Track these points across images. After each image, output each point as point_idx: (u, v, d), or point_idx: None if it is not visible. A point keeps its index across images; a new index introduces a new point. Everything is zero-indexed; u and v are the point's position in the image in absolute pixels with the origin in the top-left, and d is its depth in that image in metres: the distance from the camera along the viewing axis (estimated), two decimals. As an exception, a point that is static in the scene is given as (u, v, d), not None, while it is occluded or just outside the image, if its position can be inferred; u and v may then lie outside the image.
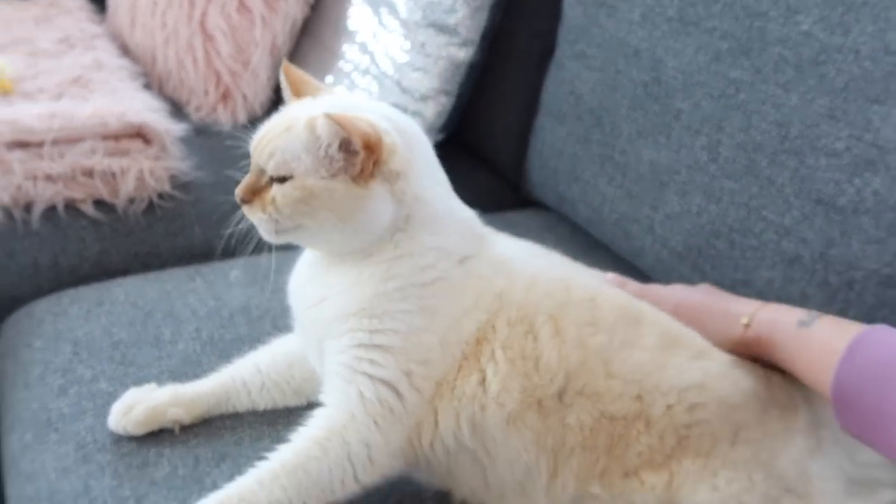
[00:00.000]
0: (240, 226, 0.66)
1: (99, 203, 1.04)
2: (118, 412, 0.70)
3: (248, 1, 1.31)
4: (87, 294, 0.91)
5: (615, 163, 1.03)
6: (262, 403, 0.75)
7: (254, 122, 1.33)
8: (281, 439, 0.71)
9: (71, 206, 1.02)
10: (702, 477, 0.60)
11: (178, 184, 1.10)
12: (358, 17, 1.30)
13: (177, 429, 0.71)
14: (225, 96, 1.35)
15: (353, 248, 0.63)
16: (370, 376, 0.60)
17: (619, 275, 0.74)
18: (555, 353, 0.60)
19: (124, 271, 1.01)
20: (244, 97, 1.35)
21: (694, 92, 0.93)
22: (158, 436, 0.71)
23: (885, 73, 0.75)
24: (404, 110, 1.23)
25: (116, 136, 1.06)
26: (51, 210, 1.01)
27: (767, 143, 0.85)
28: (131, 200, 1.05)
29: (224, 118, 1.34)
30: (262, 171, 0.62)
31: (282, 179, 0.60)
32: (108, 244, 1.03)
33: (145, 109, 1.11)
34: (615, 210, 1.05)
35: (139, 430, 0.70)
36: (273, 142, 0.61)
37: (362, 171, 0.59)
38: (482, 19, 1.20)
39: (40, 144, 1.00)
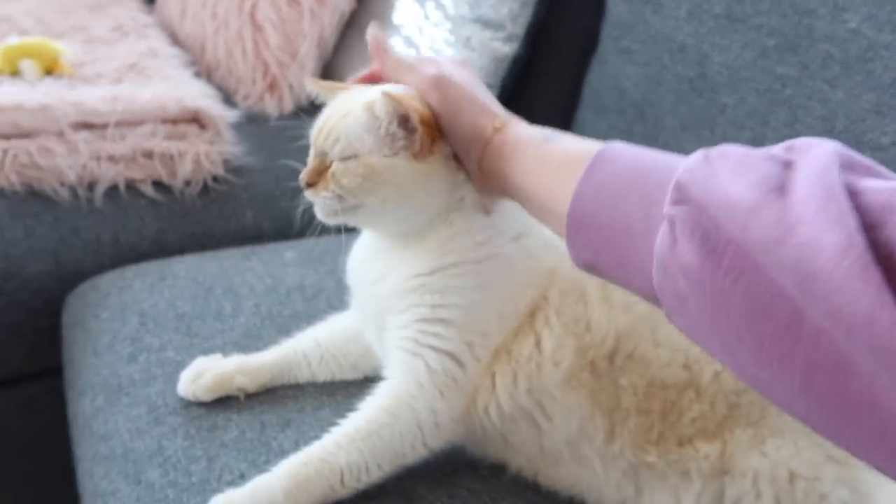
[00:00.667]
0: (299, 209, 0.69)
1: (157, 184, 1.08)
2: (187, 379, 0.73)
3: (297, -7, 1.35)
4: (150, 269, 0.94)
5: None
6: (321, 375, 0.78)
7: (300, 111, 1.42)
8: (340, 409, 0.75)
9: (131, 186, 1.06)
10: (752, 445, 0.62)
11: (231, 168, 1.14)
12: (404, 11, 1.33)
13: (242, 396, 0.75)
14: (272, 86, 1.39)
15: (410, 226, 0.65)
16: (435, 348, 0.64)
17: (378, 34, 0.67)
18: (604, 316, 0.63)
19: (181, 250, 1.05)
20: (290, 87, 1.38)
21: (739, 87, 0.95)
22: (225, 402, 0.74)
23: (934, 70, 0.77)
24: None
25: (174, 121, 1.10)
26: (113, 189, 1.05)
27: (812, 137, 0.87)
28: (187, 182, 1.09)
29: (271, 107, 1.37)
30: (324, 157, 0.64)
31: (344, 161, 0.63)
32: (165, 224, 1.07)
33: (200, 96, 1.15)
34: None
35: (207, 396, 0.73)
36: (335, 128, 0.63)
37: (422, 147, 0.62)
38: (528, 15, 1.23)
39: (104, 126, 1.04)
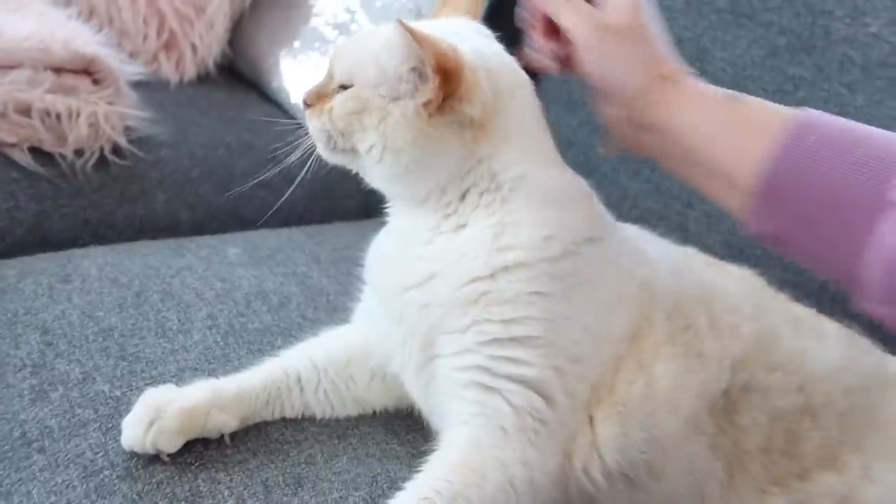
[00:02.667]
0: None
1: (36, 151, 0.80)
2: (140, 420, 0.50)
3: (209, -65, 1.11)
4: (41, 265, 0.68)
5: (640, 159, 0.98)
6: (318, 408, 0.59)
7: (204, 80, 1.17)
8: (358, 456, 0.57)
9: (0, 151, 0.77)
10: (864, 473, 0.55)
11: (135, 139, 0.88)
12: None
13: (227, 438, 0.53)
14: (169, 45, 1.12)
15: (414, 191, 0.53)
16: (515, 379, 0.49)
17: None
18: (716, 344, 0.53)
19: (70, 241, 0.78)
20: (194, 48, 1.13)
21: (746, 85, 0.90)
22: (198, 452, 0.52)
23: (959, 80, 0.76)
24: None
25: (59, 69, 0.82)
26: (-29, 154, 0.76)
27: (829, 142, 0.84)
28: (79, 153, 0.82)
29: (168, 71, 1.11)
30: (331, 77, 0.54)
31: (345, 88, 0.53)
32: (48, 205, 0.79)
33: (93, 42, 0.88)
34: (638, 206, 0.99)
35: (173, 443, 0.51)
36: (349, 46, 0.55)
37: (430, 101, 0.49)
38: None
39: (-39, 65, 0.74)
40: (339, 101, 0.52)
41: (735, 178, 0.47)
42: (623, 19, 0.53)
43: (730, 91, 0.51)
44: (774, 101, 0.86)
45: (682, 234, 0.95)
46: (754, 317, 0.56)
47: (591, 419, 0.51)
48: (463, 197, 0.52)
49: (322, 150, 0.54)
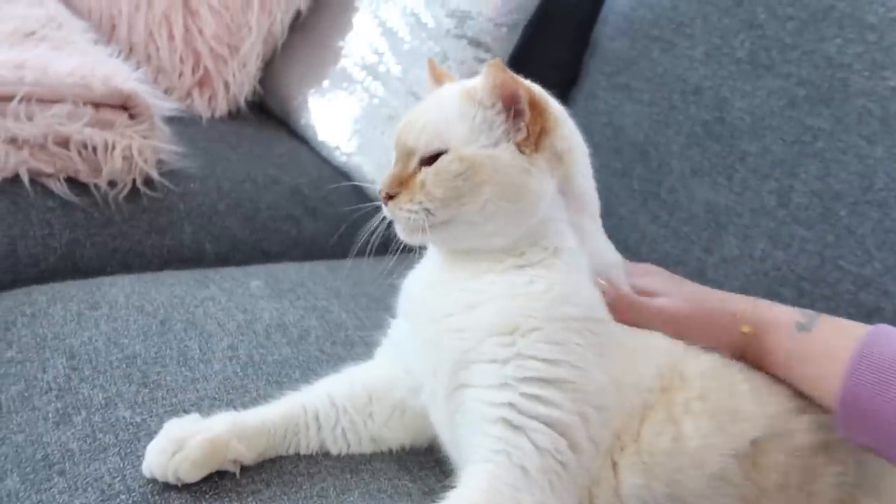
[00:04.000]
0: (377, 231, 0.56)
1: (72, 182, 0.83)
2: (164, 450, 0.51)
3: (246, -22, 1.16)
4: (71, 292, 0.70)
5: (661, 201, 0.99)
6: (334, 446, 0.59)
7: (235, 116, 1.20)
8: (370, 491, 0.57)
9: (37, 180, 0.80)
10: None
11: (166, 171, 0.91)
12: (367, 20, 1.18)
13: (237, 471, 0.54)
14: (203, 82, 1.17)
15: (508, 239, 0.54)
16: (542, 419, 0.49)
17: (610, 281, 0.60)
18: (754, 405, 0.53)
19: (99, 270, 0.80)
20: (226, 86, 1.17)
21: (764, 135, 0.91)
22: (213, 489, 0.53)
23: (980, 134, 0.77)
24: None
25: (98, 104, 0.86)
26: (11, 182, 0.79)
27: (848, 192, 0.84)
28: (112, 183, 0.85)
29: (200, 107, 1.15)
30: (409, 156, 0.54)
31: (433, 160, 0.52)
32: (80, 233, 0.82)
33: (131, 79, 0.92)
34: (657, 249, 0.99)
35: (194, 474, 0.52)
36: (423, 118, 0.54)
37: (528, 136, 0.52)
38: (514, 38, 1.13)
39: (7, 99, 0.78)
40: (436, 171, 0.51)
41: (826, 404, 0.51)
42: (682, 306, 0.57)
43: (796, 313, 0.55)
44: (792, 151, 0.88)
45: (701, 279, 0.94)
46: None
47: (614, 465, 0.51)
48: (532, 244, 0.54)
49: (409, 235, 0.53)
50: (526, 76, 0.59)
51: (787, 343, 0.54)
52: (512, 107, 0.52)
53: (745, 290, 0.91)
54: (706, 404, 0.52)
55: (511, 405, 0.49)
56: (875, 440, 0.48)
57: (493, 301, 0.51)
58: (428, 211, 0.51)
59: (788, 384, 0.54)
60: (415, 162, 0.53)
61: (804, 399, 0.55)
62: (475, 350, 0.51)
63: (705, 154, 0.95)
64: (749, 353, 0.56)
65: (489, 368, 0.50)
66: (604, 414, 0.51)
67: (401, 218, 0.52)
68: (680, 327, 0.56)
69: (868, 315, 0.82)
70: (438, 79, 0.60)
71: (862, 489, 0.54)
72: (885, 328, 0.50)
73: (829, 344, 0.52)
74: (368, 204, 0.61)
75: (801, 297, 0.86)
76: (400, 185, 0.52)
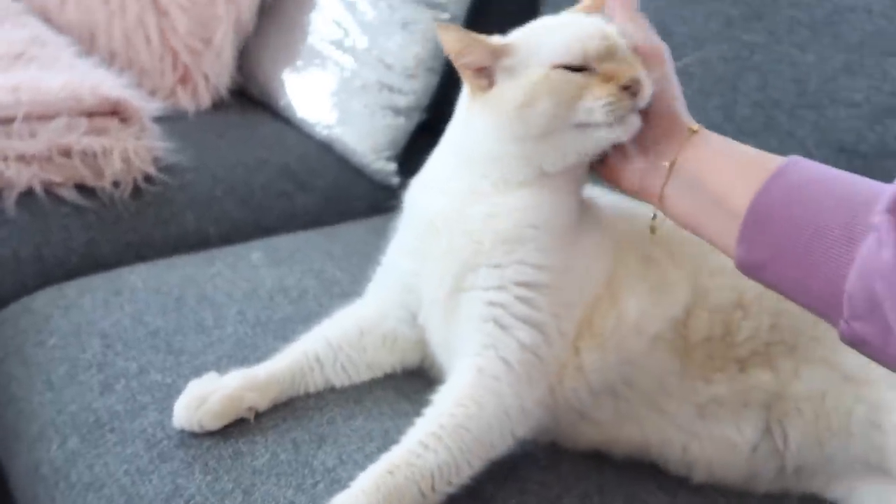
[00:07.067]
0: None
1: (80, 188, 0.92)
2: (188, 406, 0.61)
3: (207, -26, 1.22)
4: (96, 283, 0.79)
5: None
6: (337, 380, 0.69)
7: (219, 106, 1.28)
8: (372, 415, 0.67)
9: (50, 190, 0.89)
10: (793, 373, 0.63)
11: (162, 167, 1.00)
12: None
13: (251, 416, 0.64)
14: (184, 78, 1.24)
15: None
16: (528, 321, 0.58)
17: None
18: (677, 275, 0.62)
19: (117, 262, 0.89)
20: (206, 78, 1.24)
21: (706, 56, 0.97)
22: (237, 425, 0.63)
23: (898, 29, 0.82)
24: (388, 88, 1.20)
25: (91, 114, 0.94)
26: (27, 196, 0.88)
27: (785, 99, 0.90)
28: (116, 184, 0.94)
29: (185, 102, 1.22)
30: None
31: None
32: (95, 233, 0.91)
33: (117, 85, 1.00)
34: (622, 177, 1.07)
35: (216, 423, 0.62)
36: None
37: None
38: (467, -4, 1.19)
39: (9, 120, 0.87)
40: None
41: (732, 209, 0.51)
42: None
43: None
44: (732, 67, 0.94)
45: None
46: (689, 239, 0.59)
47: (576, 350, 0.60)
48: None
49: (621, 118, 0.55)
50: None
51: (720, 143, 0.55)
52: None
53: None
54: (641, 283, 0.61)
55: (503, 306, 0.58)
56: (770, 256, 0.49)
57: (508, 214, 0.59)
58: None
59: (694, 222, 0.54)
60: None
61: (717, 257, 0.59)
62: (486, 254, 0.59)
63: (655, 81, 1.02)
64: (689, 153, 0.55)
65: (493, 272, 0.58)
66: (570, 310, 0.59)
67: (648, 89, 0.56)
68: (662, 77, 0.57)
69: (813, 210, 0.89)
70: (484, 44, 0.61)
71: (779, 347, 0.63)
72: (803, 159, 0.51)
73: (758, 154, 0.52)
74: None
75: (754, 202, 0.94)
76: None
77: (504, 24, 1.25)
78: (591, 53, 0.56)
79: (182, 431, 0.62)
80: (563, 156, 0.58)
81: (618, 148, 0.57)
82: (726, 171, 0.52)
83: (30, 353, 0.72)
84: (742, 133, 0.94)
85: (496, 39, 0.61)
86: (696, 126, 0.58)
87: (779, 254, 0.48)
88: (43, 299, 0.78)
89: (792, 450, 0.62)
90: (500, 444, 0.56)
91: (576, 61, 0.56)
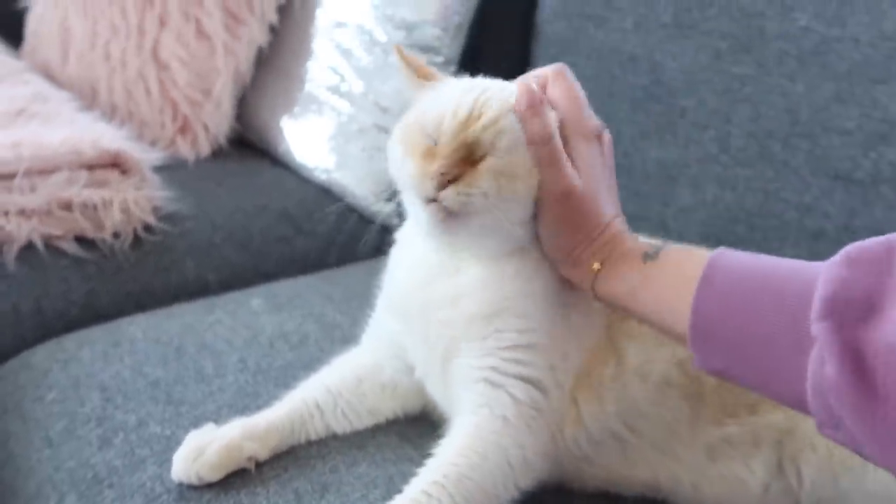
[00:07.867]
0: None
1: (80, 240, 0.92)
2: (186, 458, 0.60)
3: (207, 28, 1.24)
4: (95, 336, 0.79)
5: (618, 166, 1.05)
6: (338, 426, 0.68)
7: (218, 154, 1.29)
8: (376, 461, 0.65)
9: (50, 244, 0.90)
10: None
11: (162, 216, 1.00)
12: (323, 38, 1.26)
13: (252, 467, 0.62)
14: (184, 128, 1.25)
15: (519, 237, 0.58)
16: (520, 377, 0.58)
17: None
18: None
19: (117, 313, 0.89)
20: (206, 128, 1.26)
21: (698, 89, 0.98)
22: (237, 476, 0.62)
23: (885, 57, 0.83)
24: (385, 131, 1.21)
25: (91, 166, 0.95)
26: (28, 249, 0.88)
27: (778, 129, 0.91)
28: (116, 235, 0.94)
29: (185, 151, 1.24)
30: (472, 148, 0.55)
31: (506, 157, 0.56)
32: (95, 284, 0.91)
33: (117, 138, 1.01)
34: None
35: (215, 475, 0.60)
36: (498, 119, 0.55)
37: None
38: (461, 38, 1.21)
39: (10, 176, 0.88)
40: (505, 167, 0.54)
41: (676, 332, 0.50)
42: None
43: (644, 244, 0.54)
44: (723, 100, 0.95)
45: (665, 231, 1.02)
46: None
47: (575, 400, 0.59)
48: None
49: (442, 225, 0.55)
50: (480, 72, 0.63)
51: (636, 276, 0.53)
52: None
53: (703, 235, 0.98)
54: (642, 327, 0.59)
55: (492, 368, 0.58)
56: (726, 365, 0.48)
57: (474, 292, 0.59)
58: (486, 195, 0.54)
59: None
60: (479, 155, 0.55)
61: None
62: (462, 334, 0.59)
63: (649, 116, 1.03)
64: (598, 288, 0.55)
65: (473, 344, 0.58)
66: (567, 362, 0.59)
67: (453, 200, 0.54)
68: (565, 208, 0.55)
69: (814, 237, 0.89)
70: (417, 71, 0.62)
71: None
72: (725, 252, 0.49)
73: (675, 268, 0.51)
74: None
75: (754, 231, 0.94)
76: (459, 169, 0.54)
77: (498, 67, 1.26)
78: (438, 126, 0.55)
79: (181, 485, 0.61)
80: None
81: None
82: (652, 301, 0.51)
83: (28, 409, 0.72)
84: (738, 164, 0.95)
85: (436, 79, 0.61)
86: (597, 265, 0.54)
87: (734, 364, 0.47)
88: (42, 353, 0.78)
89: (806, 487, 0.60)
90: (504, 495, 0.56)
91: (427, 127, 0.56)
